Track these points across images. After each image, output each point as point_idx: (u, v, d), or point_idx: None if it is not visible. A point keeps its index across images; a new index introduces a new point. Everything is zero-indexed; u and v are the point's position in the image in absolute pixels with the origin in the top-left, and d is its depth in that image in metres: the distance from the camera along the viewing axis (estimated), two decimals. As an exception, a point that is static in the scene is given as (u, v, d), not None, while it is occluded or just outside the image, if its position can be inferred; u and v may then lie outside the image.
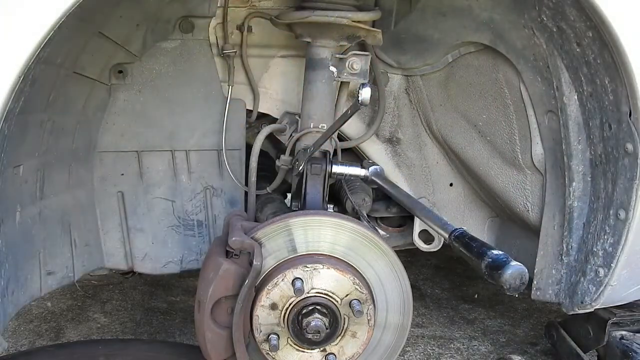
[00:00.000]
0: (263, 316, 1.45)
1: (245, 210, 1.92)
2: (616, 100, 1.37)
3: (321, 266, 1.44)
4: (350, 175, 1.80)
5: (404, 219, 2.30)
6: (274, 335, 1.46)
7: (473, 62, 1.78)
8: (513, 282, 1.19)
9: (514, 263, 1.20)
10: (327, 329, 1.45)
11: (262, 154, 1.93)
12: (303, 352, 1.50)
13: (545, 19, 1.43)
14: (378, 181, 1.80)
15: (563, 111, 1.52)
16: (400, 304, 1.55)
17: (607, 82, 1.37)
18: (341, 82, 1.86)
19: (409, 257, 3.33)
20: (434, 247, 2.18)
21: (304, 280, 1.44)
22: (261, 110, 2.00)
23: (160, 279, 3.01)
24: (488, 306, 2.91)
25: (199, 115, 1.89)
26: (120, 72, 1.79)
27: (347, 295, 1.46)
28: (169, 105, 1.86)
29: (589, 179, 1.55)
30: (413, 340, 2.54)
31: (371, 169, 1.81)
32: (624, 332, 1.94)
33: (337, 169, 1.76)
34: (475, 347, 2.53)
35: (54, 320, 2.62)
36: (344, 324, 1.48)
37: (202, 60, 1.86)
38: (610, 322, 1.91)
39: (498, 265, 1.22)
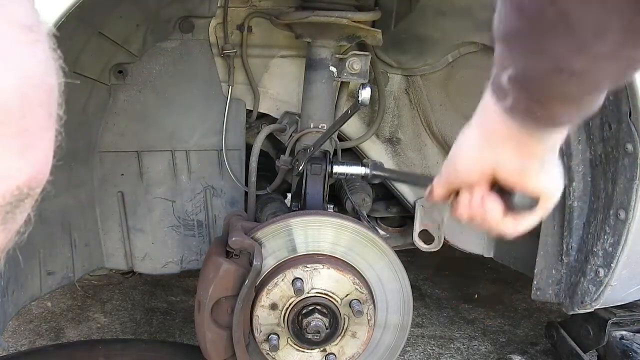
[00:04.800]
0: (263, 316, 1.45)
1: (245, 210, 1.92)
2: (616, 100, 1.37)
3: (321, 266, 1.44)
4: (351, 175, 1.79)
5: (404, 219, 2.30)
6: (274, 335, 1.46)
7: (473, 62, 1.78)
8: None
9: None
10: (327, 329, 1.45)
11: (262, 154, 1.93)
12: (303, 352, 1.50)
13: (545, 19, 1.43)
14: (380, 173, 1.77)
15: (563, 111, 1.52)
16: (400, 304, 1.55)
17: (607, 82, 1.37)
18: (341, 82, 1.86)
19: (409, 257, 3.33)
20: (434, 247, 2.18)
21: (304, 280, 1.44)
22: (261, 110, 2.00)
23: (160, 279, 3.01)
24: (488, 306, 2.91)
25: (199, 115, 1.89)
26: (120, 72, 1.79)
27: (347, 295, 1.46)
28: (169, 105, 1.86)
29: (589, 179, 1.55)
30: (413, 340, 2.54)
31: (371, 164, 1.79)
32: (624, 332, 1.94)
33: (337, 168, 1.75)
34: (475, 347, 2.53)
35: (54, 320, 2.62)
36: (344, 324, 1.48)
37: (202, 60, 1.86)
38: (610, 322, 1.91)
39: None
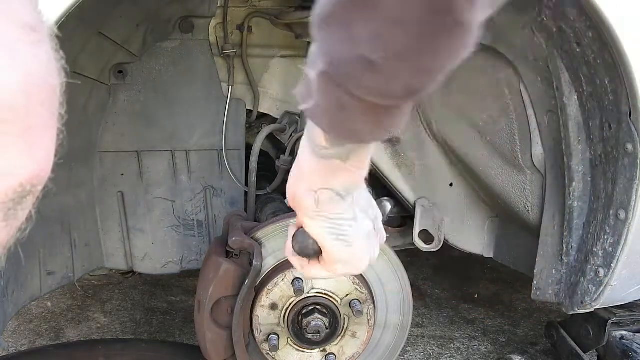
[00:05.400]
0: (263, 316, 1.45)
1: (245, 210, 1.92)
2: (616, 100, 1.37)
3: (321, 266, 1.44)
4: None
5: (404, 219, 2.30)
6: (274, 336, 1.46)
7: (473, 62, 1.77)
8: None
9: None
10: (327, 329, 1.45)
11: (262, 154, 1.93)
12: (303, 352, 1.50)
13: (545, 19, 1.44)
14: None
15: (563, 111, 1.52)
16: (400, 304, 1.55)
17: (607, 82, 1.37)
18: (341, 82, 1.86)
19: (409, 257, 3.33)
20: (434, 247, 2.18)
21: (304, 280, 1.44)
22: (261, 110, 2.00)
23: (160, 279, 3.01)
24: (488, 306, 2.91)
25: (199, 115, 1.89)
26: (120, 72, 1.80)
27: (347, 295, 1.46)
28: (169, 105, 1.86)
29: (589, 179, 1.55)
30: (413, 340, 2.54)
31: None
32: (624, 332, 1.94)
33: None
34: (475, 347, 2.53)
35: (54, 320, 2.62)
36: (344, 324, 1.48)
37: (202, 60, 1.86)
38: (610, 322, 1.91)
39: None
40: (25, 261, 1.53)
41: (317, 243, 0.81)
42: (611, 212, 1.47)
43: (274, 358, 1.48)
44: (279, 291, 1.44)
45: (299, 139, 1.81)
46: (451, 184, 2.15)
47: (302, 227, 0.83)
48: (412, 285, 1.58)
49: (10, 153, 0.40)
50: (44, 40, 0.42)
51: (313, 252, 0.83)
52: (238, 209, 1.96)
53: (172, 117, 1.87)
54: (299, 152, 0.81)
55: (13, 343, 2.40)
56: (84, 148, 1.77)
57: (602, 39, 1.31)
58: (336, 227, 0.79)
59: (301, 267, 0.87)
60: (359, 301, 1.46)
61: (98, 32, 1.50)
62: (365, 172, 0.76)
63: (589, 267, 1.54)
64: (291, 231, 0.87)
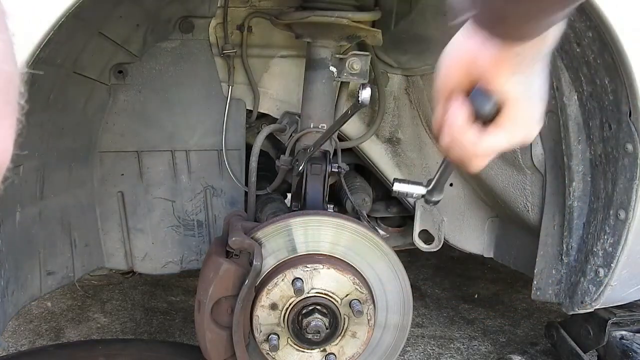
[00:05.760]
0: (263, 316, 1.45)
1: (245, 210, 1.92)
2: (616, 100, 1.37)
3: (321, 266, 1.44)
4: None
5: (404, 219, 2.30)
6: (274, 336, 1.46)
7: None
8: None
9: None
10: (327, 329, 1.45)
11: (262, 154, 1.93)
12: (303, 352, 1.50)
13: (545, 19, 1.43)
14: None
15: (563, 111, 1.52)
16: (400, 304, 1.55)
17: (607, 82, 1.37)
18: (341, 82, 1.86)
19: (409, 257, 3.33)
20: (434, 247, 2.18)
21: (304, 280, 1.44)
22: (261, 110, 2.00)
23: (160, 279, 3.01)
24: (488, 306, 2.91)
25: (199, 115, 1.89)
26: (120, 72, 1.79)
27: (347, 295, 1.46)
28: (169, 105, 1.86)
29: (589, 179, 1.55)
30: (413, 340, 2.54)
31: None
32: (624, 332, 1.94)
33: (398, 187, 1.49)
34: (475, 347, 2.53)
35: (54, 320, 2.62)
36: (344, 324, 1.48)
37: (202, 60, 1.86)
38: (610, 322, 1.91)
39: None
40: (25, 261, 1.53)
41: (497, 104, 0.80)
42: (611, 212, 1.47)
43: (274, 358, 1.48)
44: (279, 291, 1.44)
45: (299, 139, 1.81)
46: (451, 184, 2.15)
47: (475, 88, 0.82)
48: (412, 285, 1.58)
49: None
50: None
51: (489, 113, 0.81)
52: (238, 209, 1.96)
53: (172, 117, 1.87)
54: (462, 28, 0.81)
55: (13, 343, 2.40)
56: (84, 148, 1.77)
57: (602, 39, 1.31)
58: (529, 86, 0.80)
59: (478, 133, 0.83)
60: (359, 301, 1.46)
61: (98, 32, 1.49)
62: (551, 41, 0.77)
63: (589, 267, 1.54)
64: (455, 102, 0.85)
